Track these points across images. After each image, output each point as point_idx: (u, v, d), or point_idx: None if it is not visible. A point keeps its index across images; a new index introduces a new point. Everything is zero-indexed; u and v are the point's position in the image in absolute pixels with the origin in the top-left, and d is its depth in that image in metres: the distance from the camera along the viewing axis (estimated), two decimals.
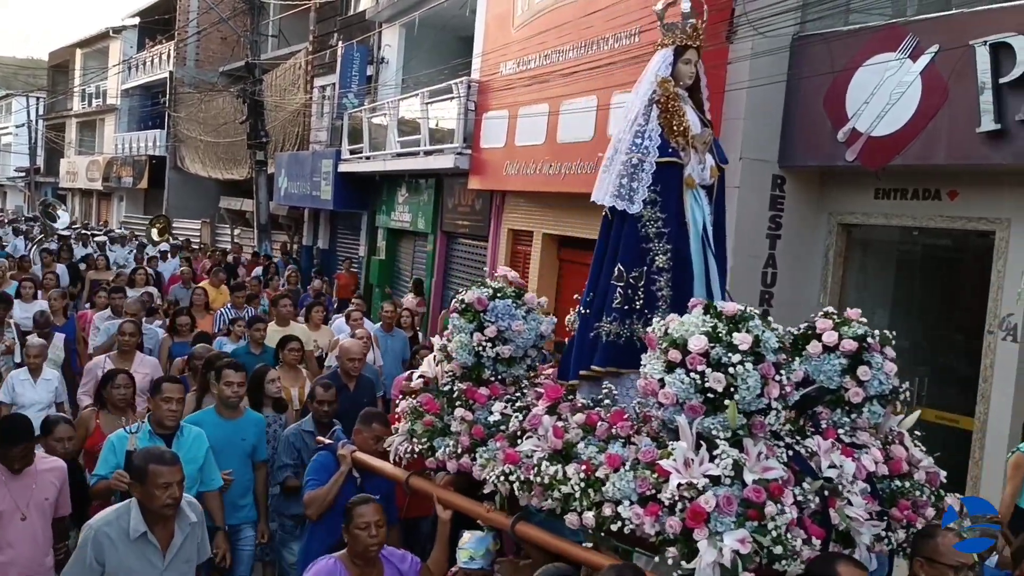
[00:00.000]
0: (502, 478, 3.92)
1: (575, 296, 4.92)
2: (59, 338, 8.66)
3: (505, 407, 4.25)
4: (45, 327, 8.72)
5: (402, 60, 17.68)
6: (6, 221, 29.79)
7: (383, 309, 10.07)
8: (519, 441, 4.00)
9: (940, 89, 6.99)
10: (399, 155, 15.47)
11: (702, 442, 3.45)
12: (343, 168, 17.86)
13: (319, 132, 21.13)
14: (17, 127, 46.61)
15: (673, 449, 3.46)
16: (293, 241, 23.01)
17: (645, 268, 4.33)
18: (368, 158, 16.78)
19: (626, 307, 4.31)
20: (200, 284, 12.06)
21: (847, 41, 7.79)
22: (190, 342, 8.40)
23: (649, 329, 3.79)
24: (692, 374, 3.46)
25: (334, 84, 19.85)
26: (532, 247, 12.01)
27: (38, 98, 44.25)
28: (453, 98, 13.23)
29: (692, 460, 3.39)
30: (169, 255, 18.87)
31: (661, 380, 3.54)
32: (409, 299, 13.69)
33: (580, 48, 10.03)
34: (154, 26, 34.10)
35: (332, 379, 6.59)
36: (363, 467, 4.99)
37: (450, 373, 4.61)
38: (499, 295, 4.58)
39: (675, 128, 4.47)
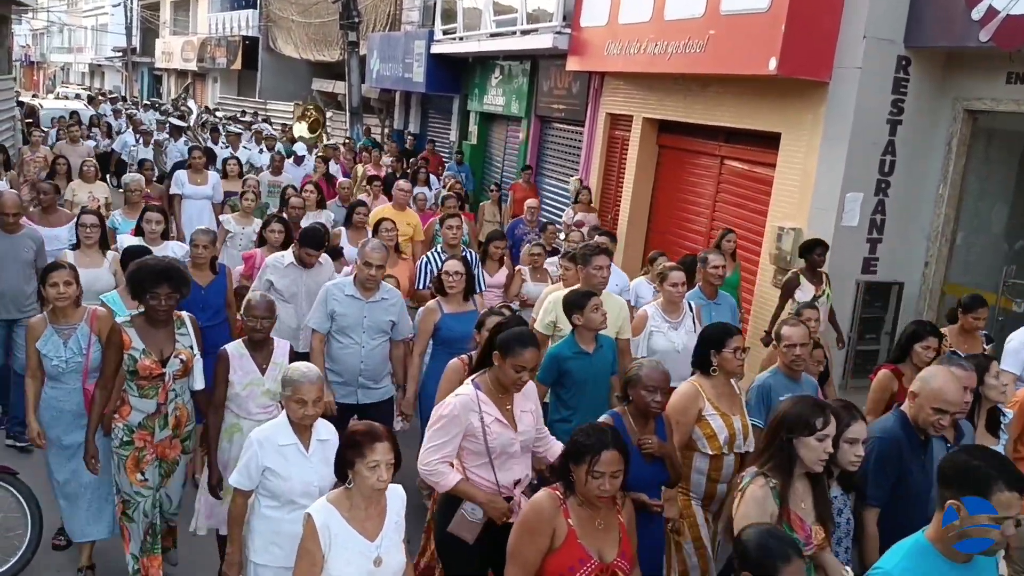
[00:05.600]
0: None
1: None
2: (283, 349, 4.96)
3: None
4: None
5: None
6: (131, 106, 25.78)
7: (709, 262, 6.45)
8: None
9: None
10: (494, 35, 15.11)
11: None
12: (436, 49, 17.58)
13: (411, 12, 20.76)
14: (113, 6, 47.16)
15: None
16: (384, 125, 22.96)
17: None
18: (461, 39, 16.46)
19: None
20: (380, 209, 8.63)
21: None
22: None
23: None
24: None
25: None
26: (631, 132, 11.69)
27: None
28: None
29: None
30: (307, 157, 14.90)
31: None
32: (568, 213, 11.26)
33: None
34: None
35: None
36: None
37: None
38: None
39: None
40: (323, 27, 25.22)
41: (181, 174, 10.47)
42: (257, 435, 3.96)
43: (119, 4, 44.23)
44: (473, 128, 17.95)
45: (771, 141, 8.86)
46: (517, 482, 4.09)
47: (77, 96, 34.21)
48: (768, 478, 3.38)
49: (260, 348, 4.85)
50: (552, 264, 7.66)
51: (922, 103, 7.97)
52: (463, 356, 4.91)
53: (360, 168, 14.48)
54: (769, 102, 8.78)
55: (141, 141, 16.15)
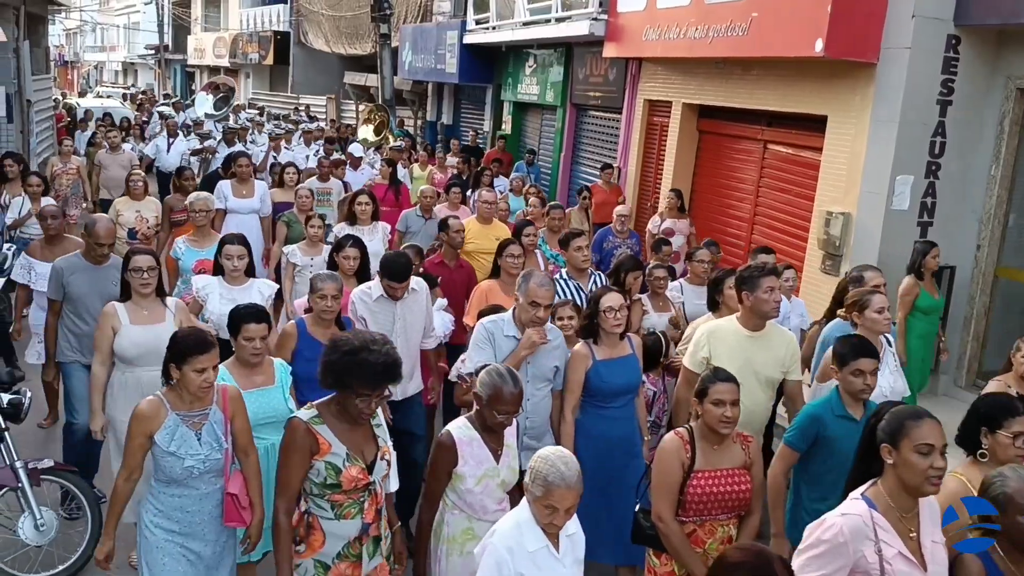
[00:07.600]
0: None
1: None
2: (512, 428, 3.87)
3: None
4: None
5: None
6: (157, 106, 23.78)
7: (866, 281, 5.53)
8: None
9: None
10: (527, 24, 15.03)
11: None
12: (468, 40, 17.54)
13: (443, 2, 20.70)
14: (145, 4, 47.58)
15: None
16: (417, 117, 22.96)
17: None
18: (495, 28, 16.40)
19: None
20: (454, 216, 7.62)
21: None
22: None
23: None
24: None
25: None
26: (670, 118, 11.57)
27: None
28: None
29: None
30: (366, 161, 13.17)
31: None
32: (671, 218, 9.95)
33: None
34: None
35: None
36: None
37: None
38: None
39: None
40: (354, 20, 25.29)
41: (224, 185, 8.99)
42: (503, 542, 3.06)
43: (151, 2, 44.63)
44: (507, 118, 17.90)
45: (817, 124, 8.72)
46: None
47: (124, 95, 33.61)
48: None
49: (492, 429, 3.71)
50: (674, 290, 6.80)
51: (973, 82, 7.80)
52: (680, 430, 3.84)
53: (417, 168, 13.30)
54: (815, 84, 8.63)
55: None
